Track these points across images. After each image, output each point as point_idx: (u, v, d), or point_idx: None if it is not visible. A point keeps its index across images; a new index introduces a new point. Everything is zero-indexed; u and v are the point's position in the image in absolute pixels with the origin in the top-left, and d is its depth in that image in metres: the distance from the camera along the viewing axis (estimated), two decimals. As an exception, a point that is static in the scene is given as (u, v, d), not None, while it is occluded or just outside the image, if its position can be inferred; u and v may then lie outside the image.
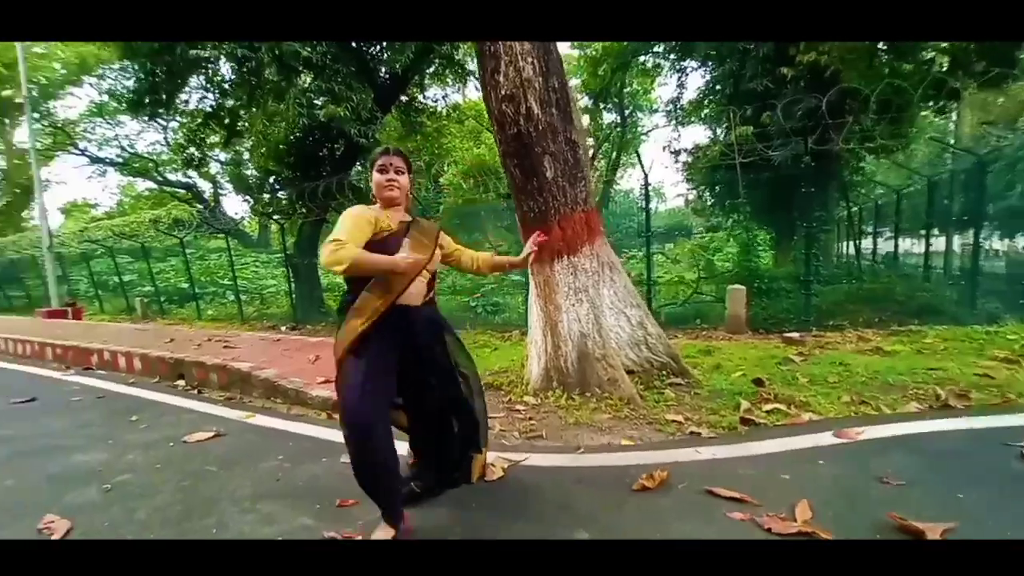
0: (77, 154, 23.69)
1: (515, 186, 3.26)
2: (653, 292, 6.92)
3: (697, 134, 30.78)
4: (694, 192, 11.29)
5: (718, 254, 13.16)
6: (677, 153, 10.33)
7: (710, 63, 9.66)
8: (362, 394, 1.54)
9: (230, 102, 10.77)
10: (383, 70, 9.91)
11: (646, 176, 6.84)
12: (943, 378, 3.38)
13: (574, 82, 18.44)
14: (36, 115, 20.68)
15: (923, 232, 8.67)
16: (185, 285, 12.75)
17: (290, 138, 9.07)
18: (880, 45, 7.86)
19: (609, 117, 19.76)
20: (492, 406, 3.33)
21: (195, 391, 4.01)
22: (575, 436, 2.73)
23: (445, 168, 15.70)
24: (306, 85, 8.66)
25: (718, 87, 9.33)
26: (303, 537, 1.64)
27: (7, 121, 22.99)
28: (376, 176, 1.77)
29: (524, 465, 2.25)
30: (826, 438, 2.32)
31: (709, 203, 10.68)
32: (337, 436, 2.69)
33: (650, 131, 20.65)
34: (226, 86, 10.53)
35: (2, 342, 6.84)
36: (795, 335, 5.21)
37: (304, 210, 9.38)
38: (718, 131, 9.85)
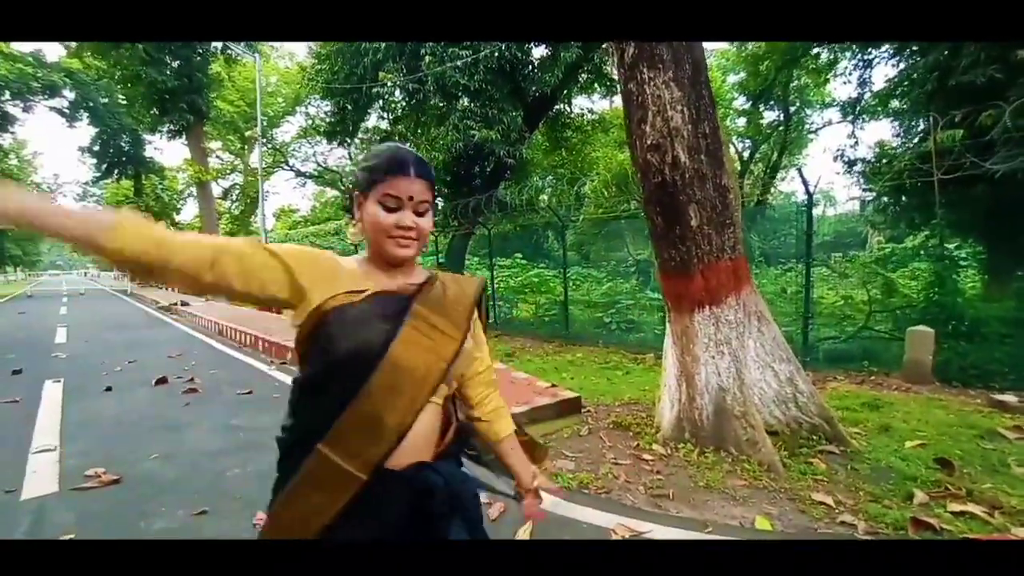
0: (287, 169, 29.32)
1: (656, 233, 3.20)
2: (811, 325, 6.13)
3: (881, 131, 26.07)
4: (872, 204, 9.60)
5: (901, 270, 10.96)
6: (852, 163, 8.89)
7: (906, 51, 8.14)
8: None
9: (400, 127, 12.31)
10: (533, 89, 10.34)
11: (810, 196, 6.08)
12: None
13: (732, 79, 17.03)
14: (264, 140, 26.21)
15: None
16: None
17: (446, 160, 10.02)
18: None
19: (771, 115, 17.83)
20: (618, 450, 3.33)
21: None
22: (704, 502, 2.61)
23: (590, 181, 15.79)
24: (464, 107, 9.46)
25: (914, 82, 7.82)
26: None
27: (246, 147, 29.23)
28: (375, 213, 0.93)
29: (646, 538, 2.24)
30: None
31: (892, 218, 9.01)
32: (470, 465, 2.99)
33: (820, 128, 18.08)
34: (398, 112, 12.05)
35: (232, 332, 8.79)
36: (1010, 398, 4.19)
37: (455, 224, 10.30)
38: (906, 137, 8.27)
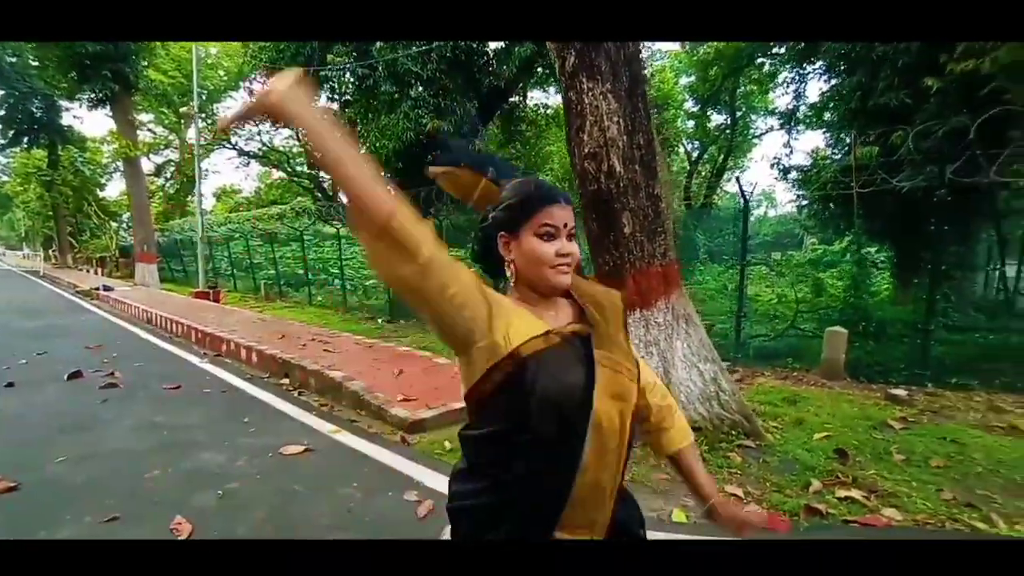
0: (229, 148, 27.61)
1: (591, 239, 3.32)
2: (743, 324, 6.52)
3: (816, 140, 27.88)
4: (805, 209, 10.34)
5: (831, 271, 11.89)
6: (787, 171, 9.49)
7: (834, 71, 8.73)
8: None
9: (350, 112, 11.90)
10: (487, 81, 10.28)
11: (746, 203, 6.44)
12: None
13: (684, 81, 17.62)
14: (203, 115, 24.55)
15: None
16: (301, 271, 14.38)
17: (397, 148, 9.81)
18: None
19: (719, 119, 18.63)
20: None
21: (296, 392, 4.61)
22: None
23: (544, 175, 15.94)
24: (416, 96, 9.27)
25: (841, 99, 8.41)
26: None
27: (182, 122, 27.32)
28: (535, 247, 0.89)
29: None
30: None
31: (820, 224, 9.73)
32: (402, 464, 3.00)
33: (763, 134, 19.08)
34: (348, 98, 11.64)
35: (163, 320, 8.29)
36: (901, 392, 4.65)
37: (406, 214, 10.14)
38: (835, 148, 8.91)
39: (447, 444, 3.28)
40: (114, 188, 32.64)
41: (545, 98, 14.83)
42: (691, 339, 3.54)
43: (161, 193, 30.29)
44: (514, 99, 12.46)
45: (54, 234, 32.89)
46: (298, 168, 26.51)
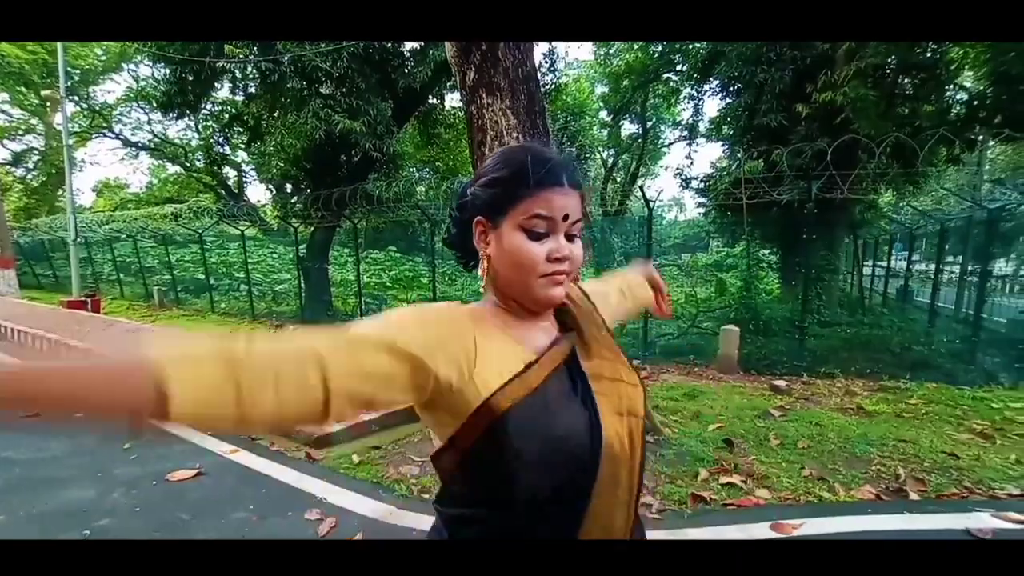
0: (112, 137, 24.60)
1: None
2: (649, 324, 6.97)
3: (716, 152, 30.67)
4: (706, 215, 11.31)
5: (732, 271, 13.12)
6: (688, 180, 10.32)
7: (727, 91, 9.63)
8: None
9: (254, 107, 11.13)
10: (402, 82, 10.10)
11: (650, 211, 6.89)
12: (910, 454, 3.39)
13: (599, 90, 18.47)
14: (75, 99, 21.56)
15: (931, 278, 8.58)
16: (201, 276, 13.22)
17: (306, 147, 9.34)
18: (898, 90, 7.77)
19: (631, 128, 19.75)
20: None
21: (191, 411, 4.23)
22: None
23: (461, 179, 15.96)
24: (327, 93, 8.89)
25: (730, 119, 9.30)
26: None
27: (48, 105, 23.88)
28: (524, 244, 0.67)
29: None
30: (763, 530, 2.41)
31: (720, 229, 10.68)
32: (307, 485, 2.88)
33: (671, 144, 20.52)
34: (251, 90, 10.88)
35: (24, 336, 7.22)
36: (782, 382, 5.23)
37: (318, 216, 9.68)
38: (730, 160, 9.83)
39: (355, 458, 3.19)
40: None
41: (461, 102, 14.88)
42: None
43: (21, 186, 26.31)
44: (432, 101, 12.35)
45: None
46: (198, 164, 24.32)
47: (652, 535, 2.27)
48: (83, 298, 10.20)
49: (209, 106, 13.69)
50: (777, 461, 3.31)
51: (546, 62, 11.86)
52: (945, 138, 6.06)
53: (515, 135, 2.99)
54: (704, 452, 3.43)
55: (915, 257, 10.45)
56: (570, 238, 0.69)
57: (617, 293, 1.01)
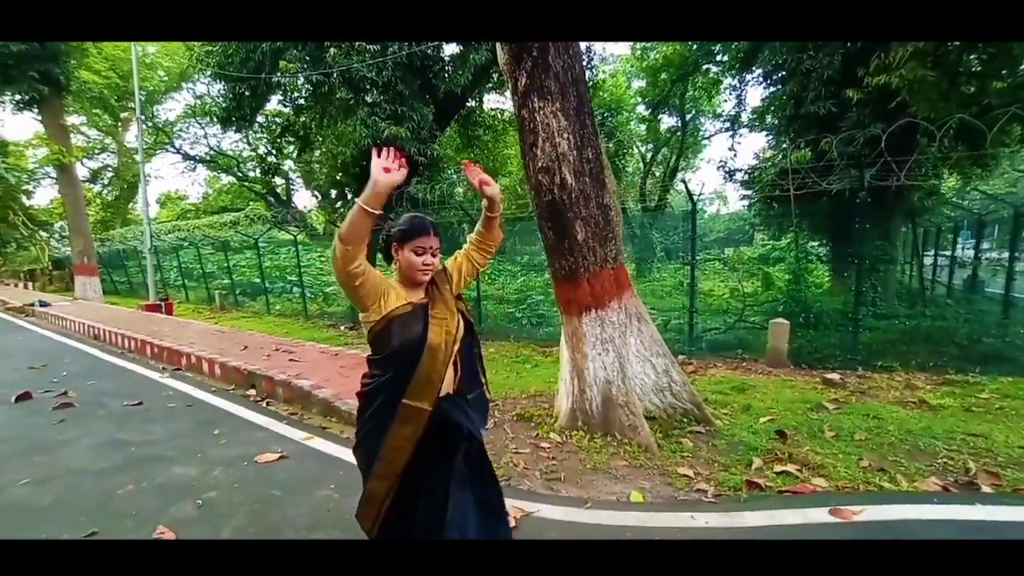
0: (173, 152, 26.39)
1: (548, 246, 3.54)
2: (696, 319, 6.93)
3: (760, 143, 29.59)
4: (751, 208, 11.02)
5: (779, 265, 12.68)
6: (731, 173, 10.12)
7: (770, 79, 9.38)
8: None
9: (304, 118, 11.72)
10: (443, 87, 10.40)
11: (693, 205, 6.86)
12: (981, 448, 3.28)
13: (636, 85, 18.28)
14: (142, 118, 23.30)
15: (1005, 265, 8.06)
16: (257, 280, 14.02)
17: (355, 154, 9.78)
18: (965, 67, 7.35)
19: (670, 121, 19.42)
20: (520, 440, 3.64)
21: (263, 402, 4.62)
22: (591, 482, 2.98)
23: (502, 178, 16.17)
24: (372, 100, 9.27)
25: (778, 106, 9.06)
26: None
27: (120, 125, 25.86)
28: (409, 257, 1.58)
29: (535, 516, 2.55)
30: (821, 514, 2.45)
31: (765, 222, 10.40)
32: (379, 467, 3.13)
33: (712, 136, 20.02)
34: (301, 102, 11.47)
35: (113, 336, 7.96)
36: (835, 376, 5.13)
37: (365, 220, 10.10)
38: (775, 151, 9.57)
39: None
40: (43, 196, 30.52)
41: (501, 103, 15.08)
42: (643, 335, 3.83)
43: (98, 200, 28.55)
44: (471, 104, 12.62)
45: (-24, 247, 30.38)
46: (249, 173, 25.70)
47: (711, 518, 2.36)
48: (158, 302, 11.05)
49: (261, 119, 14.49)
50: (833, 452, 3.29)
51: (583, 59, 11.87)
52: (1018, 116, 5.72)
53: (566, 136, 3.14)
54: (756, 442, 3.45)
55: (985, 245, 9.80)
56: (433, 255, 1.61)
57: (464, 251, 1.87)
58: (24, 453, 3.48)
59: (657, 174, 22.05)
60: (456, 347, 1.65)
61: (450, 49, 10.46)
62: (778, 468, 3.05)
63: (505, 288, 12.18)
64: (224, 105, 10.94)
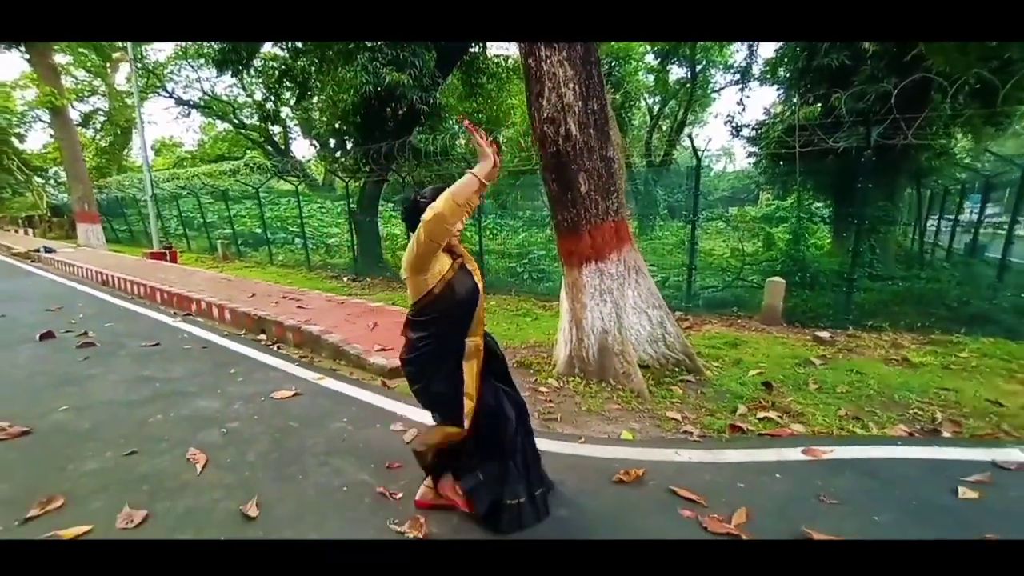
0: (165, 96, 25.59)
1: (552, 197, 3.61)
2: (694, 276, 7.05)
3: (771, 97, 28.65)
4: (757, 166, 10.91)
5: (782, 225, 12.67)
6: (739, 128, 9.95)
7: (786, 32, 9.05)
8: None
9: (303, 62, 11.35)
10: (446, 33, 10.02)
11: (698, 161, 6.83)
12: (950, 401, 3.50)
13: (644, 33, 17.58)
14: (132, 58, 22.47)
15: (1005, 228, 8.10)
16: (259, 230, 14.05)
17: (355, 102, 9.57)
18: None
19: (680, 72, 18.79)
20: (520, 385, 3.84)
21: (274, 346, 4.82)
22: (585, 423, 3.20)
23: (506, 129, 15.83)
24: (374, 46, 8.98)
25: (787, 61, 8.81)
26: (361, 490, 2.27)
27: (108, 66, 24.96)
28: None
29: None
30: (795, 453, 2.67)
31: (770, 180, 10.34)
32: (388, 404, 3.35)
33: (722, 89, 19.42)
34: (299, 46, 11.08)
35: (122, 282, 8.12)
36: (826, 334, 5.32)
37: (367, 170, 10.02)
38: (785, 106, 9.37)
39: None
40: (35, 140, 29.86)
41: (505, 48, 14.55)
42: (640, 288, 3.97)
43: (93, 146, 28.01)
44: (474, 49, 12.19)
45: (-28, 191, 30.10)
46: (246, 121, 25.07)
47: (693, 454, 2.58)
48: (162, 250, 11.15)
49: (258, 62, 14.02)
50: (814, 402, 3.49)
51: (592, 5, 11.32)
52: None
53: (571, 86, 3.15)
54: (743, 392, 3.66)
55: (994, 209, 9.77)
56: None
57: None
58: (57, 385, 3.72)
59: (664, 128, 21.56)
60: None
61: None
62: (760, 414, 3.26)
63: (507, 243, 12.24)
64: (219, 47, 10.58)
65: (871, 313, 6.23)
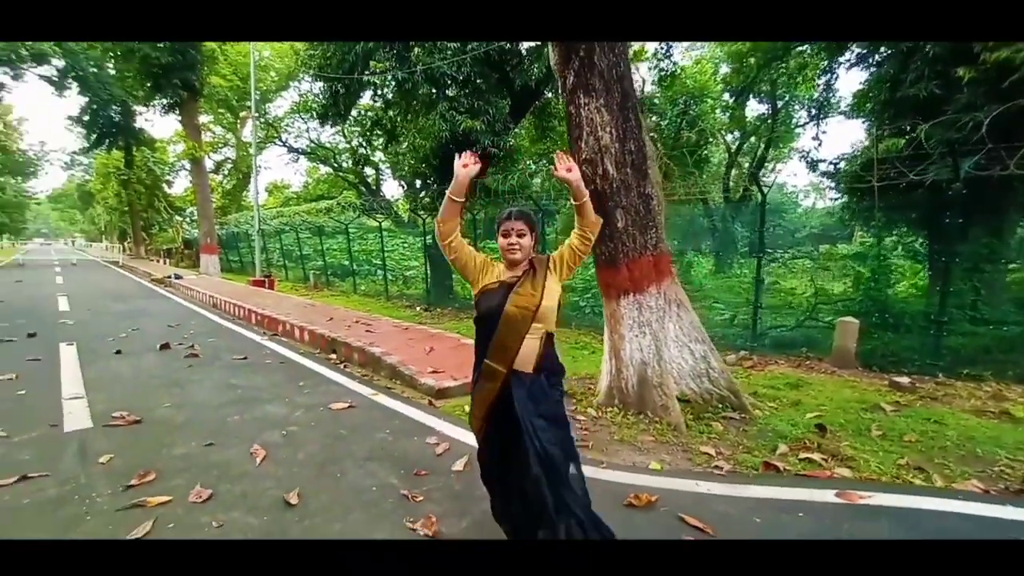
0: (280, 145, 29.36)
1: (590, 231, 3.79)
2: (759, 314, 6.76)
3: (853, 131, 26.87)
4: (839, 203, 10.26)
5: (874, 263, 11.56)
6: (814, 163, 9.48)
7: (865, 63, 8.67)
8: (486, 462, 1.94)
9: (391, 112, 12.66)
10: (519, 81, 10.75)
11: (763, 197, 6.68)
12: (1051, 463, 3.09)
13: (724, 70, 17.42)
14: (257, 115, 26.25)
15: None
16: (346, 262, 15.41)
17: (433, 147, 10.45)
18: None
19: (760, 108, 18.25)
20: (558, 413, 3.97)
21: (342, 364, 5.34)
22: (616, 451, 3.23)
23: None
24: (452, 95, 9.84)
25: (871, 93, 8.37)
26: (387, 491, 2.52)
27: (238, 122, 29.24)
28: (500, 240, 1.88)
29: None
30: (826, 495, 2.53)
31: (853, 217, 9.67)
32: (427, 419, 3.62)
33: (805, 124, 18.54)
34: (390, 98, 12.40)
35: (227, 305, 9.33)
36: (904, 380, 4.87)
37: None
38: (866, 139, 8.84)
39: (465, 408, 3.87)
40: (179, 185, 35.30)
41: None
42: (682, 322, 3.96)
43: (219, 189, 32.52)
44: (548, 95, 12.86)
45: (129, 228, 36.02)
46: (343, 164, 27.93)
47: (714, 487, 2.55)
48: (263, 278, 12.62)
49: (355, 113, 15.80)
50: (872, 449, 3.24)
51: (661, 48, 11.64)
52: None
53: (608, 129, 3.37)
54: (790, 432, 3.48)
55: None
56: (519, 235, 1.87)
57: (568, 240, 2.00)
58: (166, 386, 4.45)
59: (745, 165, 20.83)
60: (536, 323, 1.82)
61: (527, 43, 10.77)
62: (803, 455, 3.10)
63: (575, 278, 12.38)
64: (322, 102, 12.13)
65: (970, 360, 5.56)
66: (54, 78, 23.37)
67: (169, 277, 14.81)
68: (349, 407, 3.91)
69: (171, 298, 11.62)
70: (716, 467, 2.98)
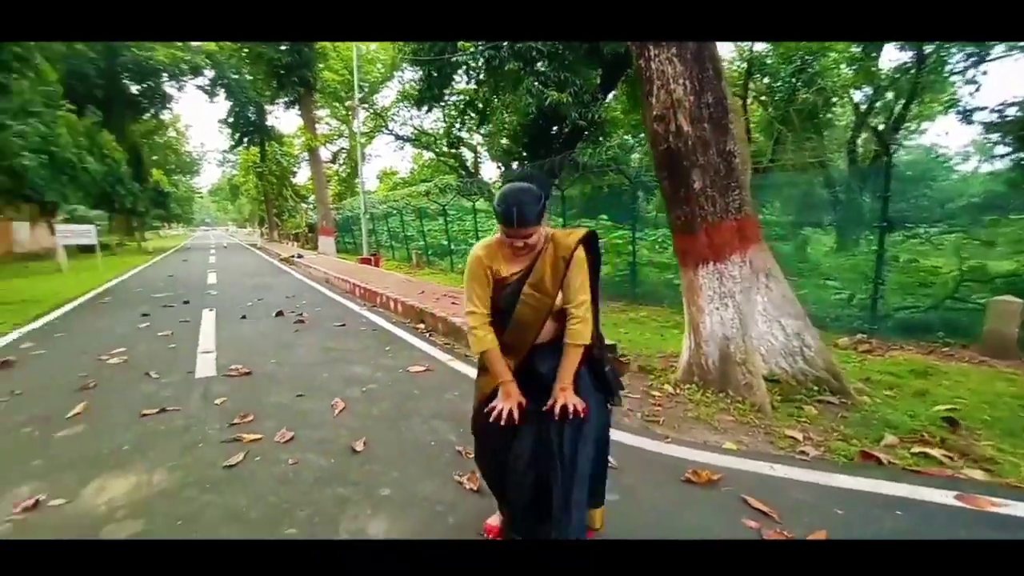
0: (387, 133, 31.34)
1: (666, 195, 3.54)
2: (880, 292, 5.90)
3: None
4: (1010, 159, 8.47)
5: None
6: (969, 113, 7.85)
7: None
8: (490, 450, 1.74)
9: (483, 90, 12.89)
10: (608, 50, 10.30)
11: (888, 157, 5.75)
12: None
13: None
14: (365, 106, 28.24)
15: None
16: (445, 243, 16.12)
17: (522, 122, 10.46)
18: None
19: (901, 56, 15.46)
20: (633, 387, 3.80)
21: (427, 333, 5.65)
22: (689, 429, 3.04)
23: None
24: (540, 70, 9.73)
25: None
26: (445, 447, 2.63)
27: (350, 114, 31.68)
28: (502, 237, 1.59)
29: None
30: (940, 496, 2.14)
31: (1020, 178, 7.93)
32: (496, 386, 3.71)
33: (964, 70, 15.40)
34: (480, 77, 12.61)
35: (336, 279, 10.30)
36: (1082, 375, 3.95)
37: (532, 186, 10.76)
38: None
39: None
40: (302, 175, 39.40)
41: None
42: (772, 293, 3.57)
43: (336, 177, 35.66)
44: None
45: (265, 214, 41.15)
46: (443, 149, 29.06)
47: (791, 471, 2.30)
48: (370, 256, 13.70)
49: (451, 99, 16.33)
50: (1022, 452, 2.69)
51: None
52: None
53: (681, 81, 3.09)
54: (906, 423, 3.00)
55: None
56: (526, 238, 1.54)
57: (570, 313, 1.67)
58: (276, 347, 5.07)
59: (880, 126, 17.93)
60: (551, 320, 1.64)
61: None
62: (917, 449, 2.66)
63: (666, 255, 11.71)
64: (418, 87, 12.71)
65: None
66: (206, 87, 27.24)
67: (293, 256, 16.71)
68: (426, 370, 4.15)
69: (292, 274, 13.10)
70: (801, 452, 2.68)
